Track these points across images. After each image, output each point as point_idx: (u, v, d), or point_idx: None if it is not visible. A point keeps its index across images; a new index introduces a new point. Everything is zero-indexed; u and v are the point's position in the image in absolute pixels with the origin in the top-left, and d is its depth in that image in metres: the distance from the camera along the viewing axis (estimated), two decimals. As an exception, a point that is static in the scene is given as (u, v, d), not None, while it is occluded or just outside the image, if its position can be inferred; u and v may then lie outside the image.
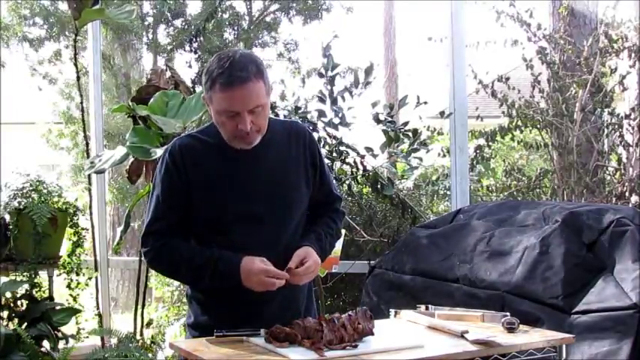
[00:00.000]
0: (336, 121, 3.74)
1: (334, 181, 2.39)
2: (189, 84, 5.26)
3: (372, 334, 1.91)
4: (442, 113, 3.86)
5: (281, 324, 1.86)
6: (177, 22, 8.44)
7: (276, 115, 3.85)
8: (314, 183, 2.18)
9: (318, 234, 2.15)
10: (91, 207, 4.27)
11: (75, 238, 3.90)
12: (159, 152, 3.49)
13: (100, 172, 3.88)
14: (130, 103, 3.68)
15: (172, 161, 2.07)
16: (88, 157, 4.14)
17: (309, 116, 3.77)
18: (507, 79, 4.85)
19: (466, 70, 4.13)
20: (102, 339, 4.04)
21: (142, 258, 3.86)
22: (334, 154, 3.81)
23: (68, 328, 3.78)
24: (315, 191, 2.18)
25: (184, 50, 7.87)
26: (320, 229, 2.17)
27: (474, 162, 5.03)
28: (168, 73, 4.10)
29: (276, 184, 2.08)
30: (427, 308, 2.26)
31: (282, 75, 8.89)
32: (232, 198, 2.03)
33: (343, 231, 3.17)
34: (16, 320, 3.64)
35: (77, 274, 3.87)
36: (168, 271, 2.18)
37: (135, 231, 7.79)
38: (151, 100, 3.67)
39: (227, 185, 2.04)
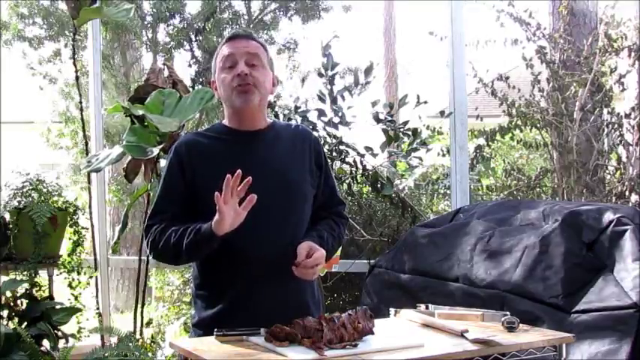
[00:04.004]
0: (336, 120, 3.74)
1: (337, 188, 2.39)
2: (188, 83, 5.26)
3: (372, 333, 1.91)
4: (442, 112, 3.86)
5: (283, 322, 1.85)
6: (177, 21, 8.43)
7: (276, 114, 3.85)
8: (319, 184, 2.20)
9: (321, 232, 2.15)
10: (90, 206, 4.27)
11: (75, 238, 3.89)
12: (155, 151, 3.49)
13: (97, 170, 3.87)
14: (126, 103, 3.68)
15: (176, 157, 2.12)
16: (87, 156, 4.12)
17: (308, 115, 3.77)
18: (507, 78, 4.85)
19: (466, 69, 4.12)
20: (102, 338, 4.04)
21: (142, 257, 3.89)
22: (334, 154, 3.82)
23: (68, 328, 3.78)
24: (319, 192, 2.20)
25: (184, 49, 7.86)
26: (322, 229, 2.17)
27: (474, 161, 5.03)
28: (166, 72, 4.09)
29: (282, 178, 2.10)
30: (427, 307, 2.25)
31: (281, 75, 8.89)
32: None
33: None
34: (16, 319, 3.63)
35: (78, 274, 3.87)
36: (165, 251, 2.08)
37: (134, 230, 7.78)
38: (148, 99, 3.67)
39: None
